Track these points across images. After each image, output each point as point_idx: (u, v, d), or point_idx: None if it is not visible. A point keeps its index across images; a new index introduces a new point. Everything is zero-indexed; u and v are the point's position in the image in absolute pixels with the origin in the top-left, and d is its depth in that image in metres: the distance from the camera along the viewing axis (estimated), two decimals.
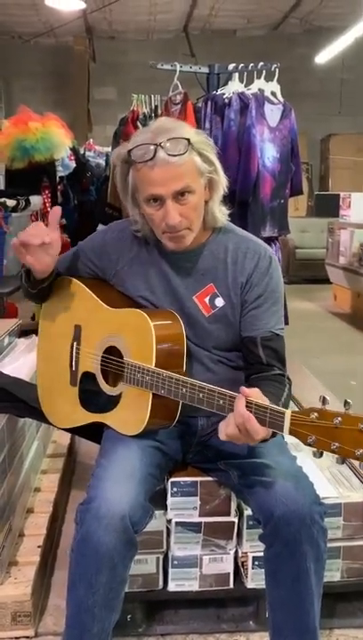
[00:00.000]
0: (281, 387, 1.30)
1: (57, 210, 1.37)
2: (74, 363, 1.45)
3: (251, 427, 1.10)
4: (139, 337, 1.30)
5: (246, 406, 1.11)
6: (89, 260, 1.47)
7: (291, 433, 1.07)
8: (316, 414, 1.04)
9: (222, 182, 1.33)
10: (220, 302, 1.36)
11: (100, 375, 1.39)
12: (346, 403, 1.02)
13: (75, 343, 1.45)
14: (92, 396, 1.42)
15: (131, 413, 1.32)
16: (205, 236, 1.38)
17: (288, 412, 1.08)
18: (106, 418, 1.37)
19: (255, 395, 1.13)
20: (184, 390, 1.21)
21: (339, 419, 1.01)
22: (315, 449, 1.05)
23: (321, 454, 1.05)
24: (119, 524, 1.17)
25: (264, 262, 1.36)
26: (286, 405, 1.25)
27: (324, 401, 1.05)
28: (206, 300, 1.37)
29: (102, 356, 1.38)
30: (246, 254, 1.36)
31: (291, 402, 2.16)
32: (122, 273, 1.43)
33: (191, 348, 1.37)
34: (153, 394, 1.27)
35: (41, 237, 1.31)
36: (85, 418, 1.42)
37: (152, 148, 1.22)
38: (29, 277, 1.42)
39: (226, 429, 1.13)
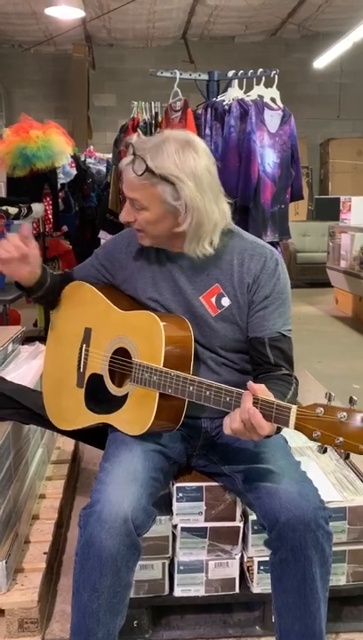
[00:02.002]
0: (288, 385, 1.31)
1: (26, 227, 1.43)
2: (82, 364, 1.47)
3: (256, 422, 1.11)
4: (148, 338, 1.32)
5: (253, 402, 1.12)
6: (103, 267, 1.51)
7: (296, 428, 1.08)
8: (321, 409, 1.06)
9: (204, 223, 1.30)
10: (226, 302, 1.38)
11: (108, 376, 1.41)
12: (351, 399, 1.04)
13: (84, 345, 1.47)
14: (97, 398, 1.43)
15: (136, 413, 1.33)
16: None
17: (294, 408, 1.09)
18: (111, 419, 1.39)
19: (262, 390, 1.14)
20: (191, 388, 1.23)
21: (344, 414, 1.03)
22: (320, 443, 1.06)
23: (325, 450, 1.07)
24: (122, 528, 1.18)
25: (271, 264, 1.38)
26: (291, 403, 1.26)
27: (329, 397, 1.07)
28: (213, 300, 1.39)
29: (111, 357, 1.40)
30: (252, 256, 1.38)
31: None
32: (131, 278, 1.46)
33: (197, 349, 1.38)
34: (160, 394, 1.28)
35: (10, 252, 1.38)
36: (90, 419, 1.43)
37: (132, 151, 1.29)
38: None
39: (231, 424, 1.14)
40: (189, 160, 1.27)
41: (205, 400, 1.21)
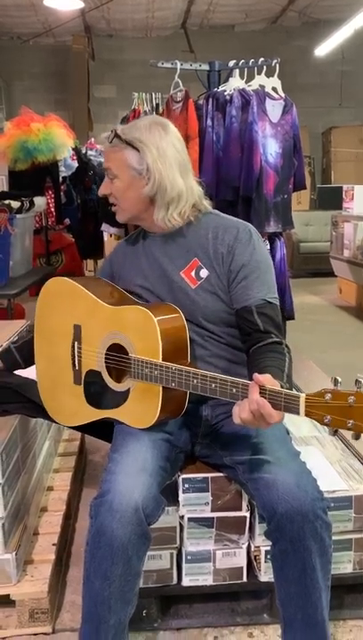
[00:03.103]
0: (282, 357, 1.32)
1: None
2: (76, 362, 1.47)
3: (266, 412, 1.12)
4: (143, 333, 1.32)
5: (261, 393, 1.13)
6: (112, 275, 1.59)
7: (307, 415, 1.09)
8: (330, 395, 1.07)
9: (162, 190, 1.41)
10: (204, 273, 1.43)
11: (106, 372, 1.41)
12: (357, 382, 1.05)
13: (75, 343, 1.47)
14: (98, 393, 1.44)
15: (141, 407, 1.34)
16: (176, 223, 1.46)
17: (303, 396, 1.10)
18: (116, 413, 1.40)
19: (268, 380, 1.15)
20: (195, 382, 1.23)
21: (353, 397, 1.04)
22: (331, 427, 1.08)
23: (336, 432, 1.09)
24: (133, 517, 1.19)
25: (244, 235, 1.43)
26: (290, 375, 1.28)
27: (335, 382, 1.08)
28: (192, 273, 1.44)
29: (106, 354, 1.41)
30: (226, 229, 1.45)
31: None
32: (121, 271, 1.54)
33: None
34: (163, 387, 1.29)
35: None
36: (94, 414, 1.44)
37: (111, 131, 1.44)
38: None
39: (240, 414, 1.15)
40: (155, 134, 1.41)
41: (211, 393, 1.22)
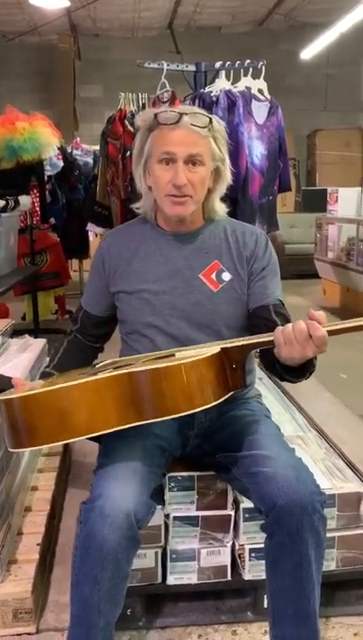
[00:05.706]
0: None
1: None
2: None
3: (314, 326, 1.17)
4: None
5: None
6: (99, 290, 1.51)
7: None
8: None
9: (227, 178, 1.43)
10: (227, 276, 1.43)
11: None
12: None
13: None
14: None
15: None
16: (202, 222, 1.47)
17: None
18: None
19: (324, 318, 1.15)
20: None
21: None
22: None
23: None
24: (124, 522, 1.19)
25: (262, 240, 1.48)
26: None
27: None
28: (213, 276, 1.42)
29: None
30: (244, 234, 1.47)
31: (281, 393, 2.20)
32: (118, 269, 1.47)
33: (201, 341, 1.37)
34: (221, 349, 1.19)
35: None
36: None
37: (178, 114, 1.34)
38: None
39: (283, 330, 1.20)
40: (222, 127, 1.42)
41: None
